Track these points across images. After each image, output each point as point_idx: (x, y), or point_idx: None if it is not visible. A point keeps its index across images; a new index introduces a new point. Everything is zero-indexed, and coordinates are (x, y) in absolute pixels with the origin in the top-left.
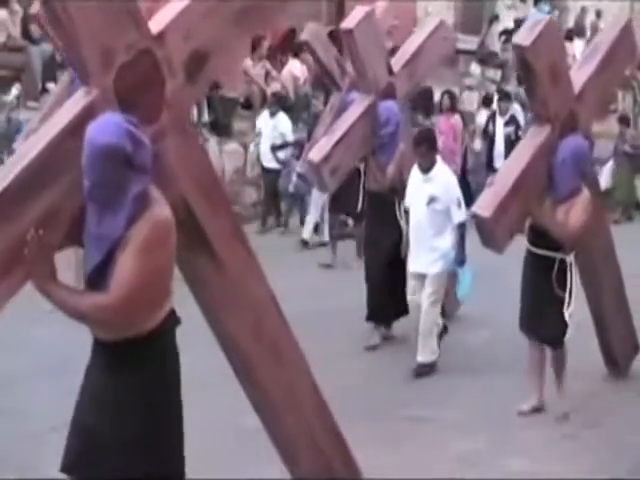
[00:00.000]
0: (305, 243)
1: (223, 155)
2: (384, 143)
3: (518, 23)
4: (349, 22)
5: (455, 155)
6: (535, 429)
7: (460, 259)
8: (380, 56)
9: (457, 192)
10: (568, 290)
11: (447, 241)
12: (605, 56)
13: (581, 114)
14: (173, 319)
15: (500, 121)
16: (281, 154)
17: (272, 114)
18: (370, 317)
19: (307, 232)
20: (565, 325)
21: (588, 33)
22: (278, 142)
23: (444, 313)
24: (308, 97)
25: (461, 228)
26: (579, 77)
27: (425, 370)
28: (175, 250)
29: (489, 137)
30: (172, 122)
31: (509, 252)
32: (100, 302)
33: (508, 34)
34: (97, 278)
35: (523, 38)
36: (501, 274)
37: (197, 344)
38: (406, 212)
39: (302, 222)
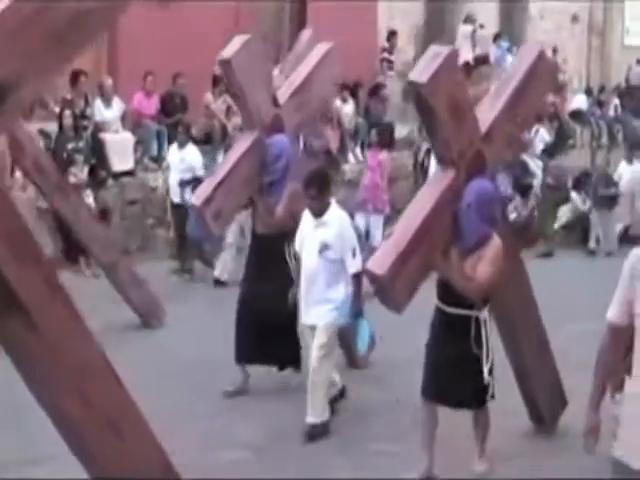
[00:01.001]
0: (219, 282)
1: None
2: (274, 181)
3: (478, 60)
4: (227, 51)
5: (381, 192)
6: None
7: (356, 312)
8: (263, 87)
9: (353, 239)
10: (485, 348)
11: (341, 292)
12: (517, 89)
13: (489, 154)
14: None
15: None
16: (189, 190)
17: (180, 145)
18: (240, 360)
19: (219, 270)
20: (485, 385)
21: None
22: (187, 176)
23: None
24: None
25: (357, 279)
26: (488, 113)
27: (317, 431)
28: None
29: (423, 171)
30: None
31: None
32: None
33: (467, 67)
34: None
35: (419, 74)
36: None
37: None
38: (296, 258)
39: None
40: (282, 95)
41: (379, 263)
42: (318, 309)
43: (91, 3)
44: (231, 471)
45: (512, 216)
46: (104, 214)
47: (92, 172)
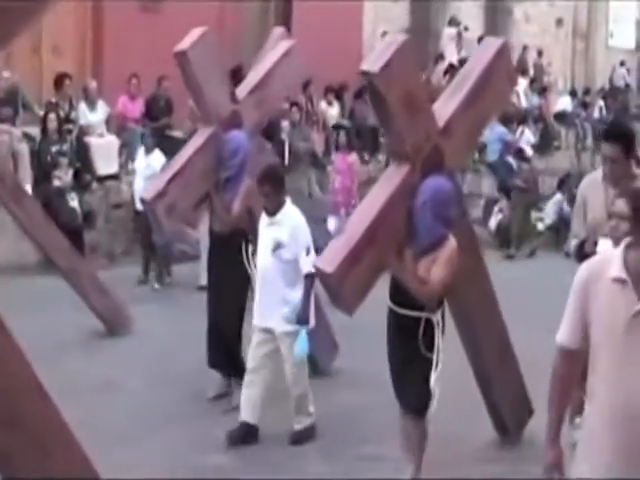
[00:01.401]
0: (202, 287)
1: None
2: (230, 177)
3: (463, 62)
4: (183, 43)
5: (352, 196)
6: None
7: (303, 317)
8: (220, 82)
9: (307, 238)
10: (436, 351)
11: (298, 295)
12: (476, 84)
13: (448, 150)
14: None
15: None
16: None
17: (147, 151)
18: (213, 365)
19: (202, 278)
20: (428, 394)
21: (531, 72)
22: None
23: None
24: None
25: (308, 279)
26: (447, 107)
27: (303, 436)
28: None
29: None
30: None
31: None
32: None
33: (452, 69)
34: None
35: (372, 63)
36: None
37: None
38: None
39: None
40: (241, 91)
41: (328, 260)
42: (275, 312)
43: None
44: (214, 475)
45: (498, 217)
46: (89, 218)
47: (77, 175)
